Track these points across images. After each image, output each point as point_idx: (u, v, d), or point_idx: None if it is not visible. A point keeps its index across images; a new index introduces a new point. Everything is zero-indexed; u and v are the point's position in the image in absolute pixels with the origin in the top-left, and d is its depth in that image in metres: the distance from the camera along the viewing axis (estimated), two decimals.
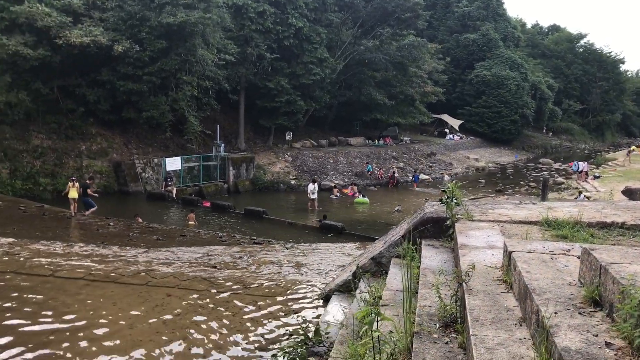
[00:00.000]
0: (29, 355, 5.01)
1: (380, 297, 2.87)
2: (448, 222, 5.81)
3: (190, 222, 22.06)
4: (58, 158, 28.26)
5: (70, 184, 21.45)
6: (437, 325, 3.73)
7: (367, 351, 2.97)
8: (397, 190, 35.91)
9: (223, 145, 33.37)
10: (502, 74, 56.23)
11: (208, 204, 26.99)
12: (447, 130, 55.39)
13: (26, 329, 5.58)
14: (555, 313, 3.01)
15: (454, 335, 3.62)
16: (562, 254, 4.18)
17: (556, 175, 41.86)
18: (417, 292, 4.41)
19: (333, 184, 33.12)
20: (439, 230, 6.02)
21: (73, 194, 21.12)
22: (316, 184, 28.22)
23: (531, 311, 3.20)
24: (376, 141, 44.73)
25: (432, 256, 5.36)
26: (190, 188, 30.60)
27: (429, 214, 6.19)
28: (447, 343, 3.50)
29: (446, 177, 32.95)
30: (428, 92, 48.54)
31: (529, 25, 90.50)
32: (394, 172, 37.66)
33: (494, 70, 56.71)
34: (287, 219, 23.92)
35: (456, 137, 54.19)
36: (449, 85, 55.51)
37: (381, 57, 40.88)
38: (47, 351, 5.11)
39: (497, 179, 41.32)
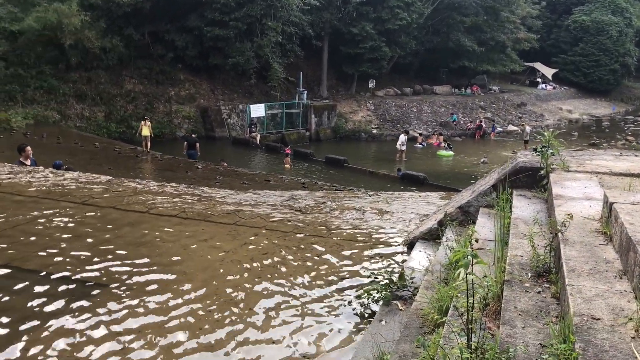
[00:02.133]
0: (130, 280, 5.38)
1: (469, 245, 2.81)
2: (542, 172, 5.57)
3: (286, 166, 23.71)
4: (149, 102, 29.48)
5: (142, 122, 23.77)
6: (529, 274, 3.63)
7: (459, 294, 2.94)
8: (483, 142, 34.85)
9: (305, 92, 33.50)
10: (603, 19, 52.10)
11: (290, 151, 27.39)
12: (539, 79, 52.56)
13: (126, 261, 5.96)
14: None
15: (546, 285, 3.51)
16: None
17: None
18: (507, 242, 4.30)
19: (418, 133, 32.59)
20: (532, 180, 5.79)
21: (145, 132, 23.38)
22: (406, 137, 27.96)
23: (634, 263, 3.03)
24: (463, 90, 43.18)
25: (523, 206, 5.18)
26: (273, 135, 31.13)
27: (522, 163, 5.95)
28: (539, 292, 3.41)
29: (527, 129, 31.50)
30: (521, 38, 45.94)
31: None
32: (480, 122, 36.46)
33: (593, 15, 52.64)
34: (368, 168, 23.91)
35: (549, 87, 51.39)
36: (543, 32, 52.32)
37: (472, 0, 38.95)
38: (142, 279, 5.45)
39: (591, 132, 39.09)
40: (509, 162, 6.57)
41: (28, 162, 11.59)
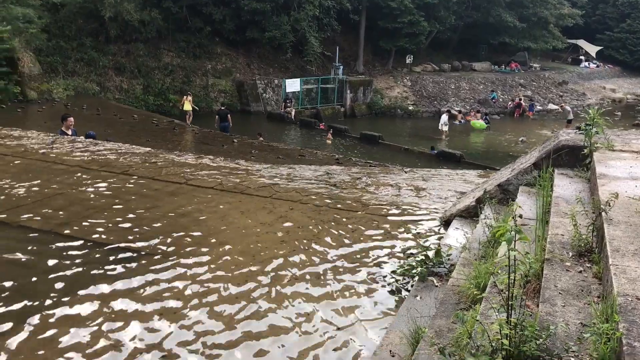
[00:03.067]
0: (169, 249, 5.50)
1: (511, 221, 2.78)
2: (585, 150, 5.44)
3: (327, 141, 24.10)
4: (186, 76, 29.70)
5: (185, 97, 24.26)
6: (570, 253, 3.58)
7: (499, 271, 2.91)
8: (522, 121, 34.12)
9: (341, 67, 33.22)
10: None
11: (325, 127, 27.34)
12: (582, 57, 50.89)
13: (165, 230, 6.09)
14: None
15: (588, 265, 3.45)
16: None
17: None
18: (547, 221, 4.23)
19: (457, 111, 32.14)
20: (574, 159, 5.66)
21: (187, 107, 23.90)
22: (448, 115, 27.87)
23: None
24: (503, 67, 42.15)
25: (565, 185, 5.07)
26: (307, 110, 31.07)
27: (564, 141, 5.81)
28: (580, 272, 3.36)
29: (567, 108, 30.66)
30: (564, 14, 44.39)
31: None
32: (520, 101, 35.67)
33: None
34: (403, 145, 23.72)
35: (592, 65, 49.75)
36: (588, 7, 50.46)
37: None
38: (180, 248, 5.57)
39: (635, 113, 37.82)
40: (551, 140, 6.43)
41: (69, 132, 11.86)
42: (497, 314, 2.65)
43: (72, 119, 12.20)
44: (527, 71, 43.44)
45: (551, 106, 37.20)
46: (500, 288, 2.83)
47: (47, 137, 11.10)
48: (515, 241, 2.40)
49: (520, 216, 2.59)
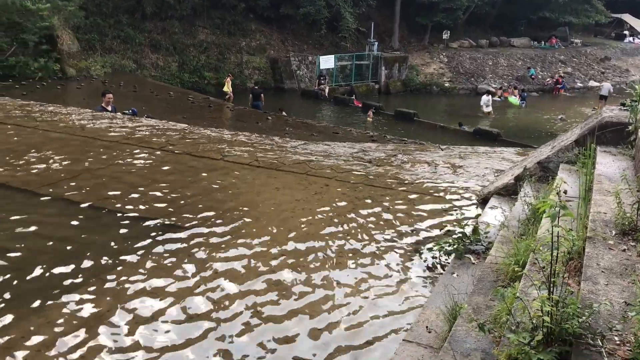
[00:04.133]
0: (207, 222, 5.60)
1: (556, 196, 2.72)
2: (630, 127, 5.27)
3: (368, 119, 23.99)
4: (220, 53, 29.76)
5: (227, 78, 24.37)
6: (613, 232, 3.50)
7: (541, 247, 2.87)
8: (562, 98, 33.23)
9: (376, 43, 32.76)
10: None
11: (359, 104, 27.11)
12: (626, 32, 48.99)
13: (202, 204, 6.19)
14: None
15: (632, 244, 3.37)
16: None
17: None
18: (589, 199, 4.14)
19: (498, 87, 31.53)
20: (618, 136, 5.51)
21: (227, 87, 24.07)
22: (490, 96, 27.11)
23: None
24: (542, 43, 40.90)
25: (608, 163, 4.95)
26: (342, 87, 30.84)
27: (608, 118, 5.66)
28: (624, 250, 3.28)
29: (605, 85, 29.50)
30: None
31: None
32: (560, 77, 34.66)
33: None
34: (439, 123, 23.41)
35: (637, 40, 47.89)
36: None
37: None
38: (218, 222, 5.65)
39: None
40: (593, 117, 6.26)
41: (109, 108, 12.06)
42: (537, 291, 2.62)
43: (111, 95, 12.39)
44: (568, 47, 42.07)
45: (592, 83, 36.11)
46: (541, 265, 2.79)
47: (85, 113, 11.32)
48: (558, 217, 2.36)
49: (565, 192, 2.54)
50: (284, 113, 21.34)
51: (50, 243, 5.20)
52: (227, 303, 4.25)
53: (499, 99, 29.76)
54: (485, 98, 26.74)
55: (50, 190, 6.56)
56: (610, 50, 43.44)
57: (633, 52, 44.85)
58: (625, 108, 5.73)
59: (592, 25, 46.43)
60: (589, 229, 3.51)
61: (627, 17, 49.19)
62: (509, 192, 5.91)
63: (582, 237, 3.47)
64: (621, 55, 43.39)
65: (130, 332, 3.87)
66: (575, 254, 3.23)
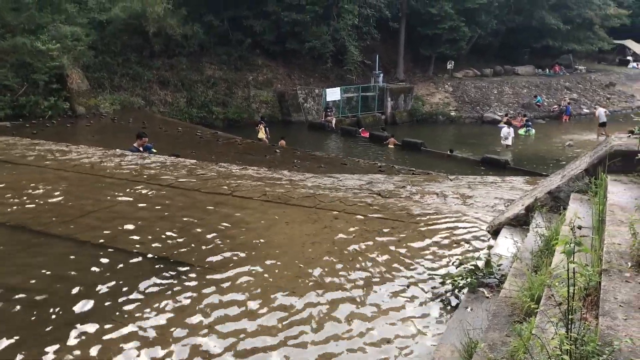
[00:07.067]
0: (216, 259, 5.57)
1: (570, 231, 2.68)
2: None
3: (390, 146, 24.50)
4: (228, 88, 30.12)
5: (260, 125, 23.88)
6: (629, 264, 3.43)
7: (557, 283, 2.82)
8: (568, 125, 33.21)
9: (382, 75, 33.08)
10: None
11: (366, 134, 27.22)
12: (629, 57, 49.24)
13: (212, 241, 6.16)
14: None
15: None
16: None
17: None
18: (603, 230, 4.08)
19: (504, 115, 31.57)
20: (628, 164, 5.45)
21: (261, 135, 23.69)
22: (511, 128, 25.74)
23: None
24: (547, 70, 41.15)
25: (620, 192, 4.90)
26: (348, 119, 31.03)
27: (617, 146, 5.61)
28: None
29: (600, 111, 28.71)
30: (610, 14, 43.03)
31: None
32: (567, 104, 34.67)
33: None
34: (446, 152, 23.43)
35: None
36: (635, 7, 48.80)
37: None
38: (228, 259, 5.61)
39: None
40: (602, 145, 6.23)
41: (141, 149, 12.36)
42: (555, 327, 2.56)
43: (146, 139, 12.73)
44: (573, 74, 42.31)
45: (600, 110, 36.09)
46: (557, 301, 2.73)
47: (97, 151, 11.42)
48: (574, 253, 2.32)
49: (580, 227, 2.50)
50: (283, 142, 21.61)
51: (59, 285, 5.18)
52: (241, 342, 4.19)
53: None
54: (505, 130, 25.23)
55: (61, 229, 6.57)
56: (614, 75, 43.60)
57: (637, 77, 44.95)
58: (634, 136, 5.70)
59: (596, 52, 46.75)
60: (604, 261, 3.45)
61: (630, 43, 49.53)
62: (520, 223, 5.85)
63: (597, 270, 3.41)
64: (626, 80, 43.52)
65: None
66: (591, 288, 3.17)
